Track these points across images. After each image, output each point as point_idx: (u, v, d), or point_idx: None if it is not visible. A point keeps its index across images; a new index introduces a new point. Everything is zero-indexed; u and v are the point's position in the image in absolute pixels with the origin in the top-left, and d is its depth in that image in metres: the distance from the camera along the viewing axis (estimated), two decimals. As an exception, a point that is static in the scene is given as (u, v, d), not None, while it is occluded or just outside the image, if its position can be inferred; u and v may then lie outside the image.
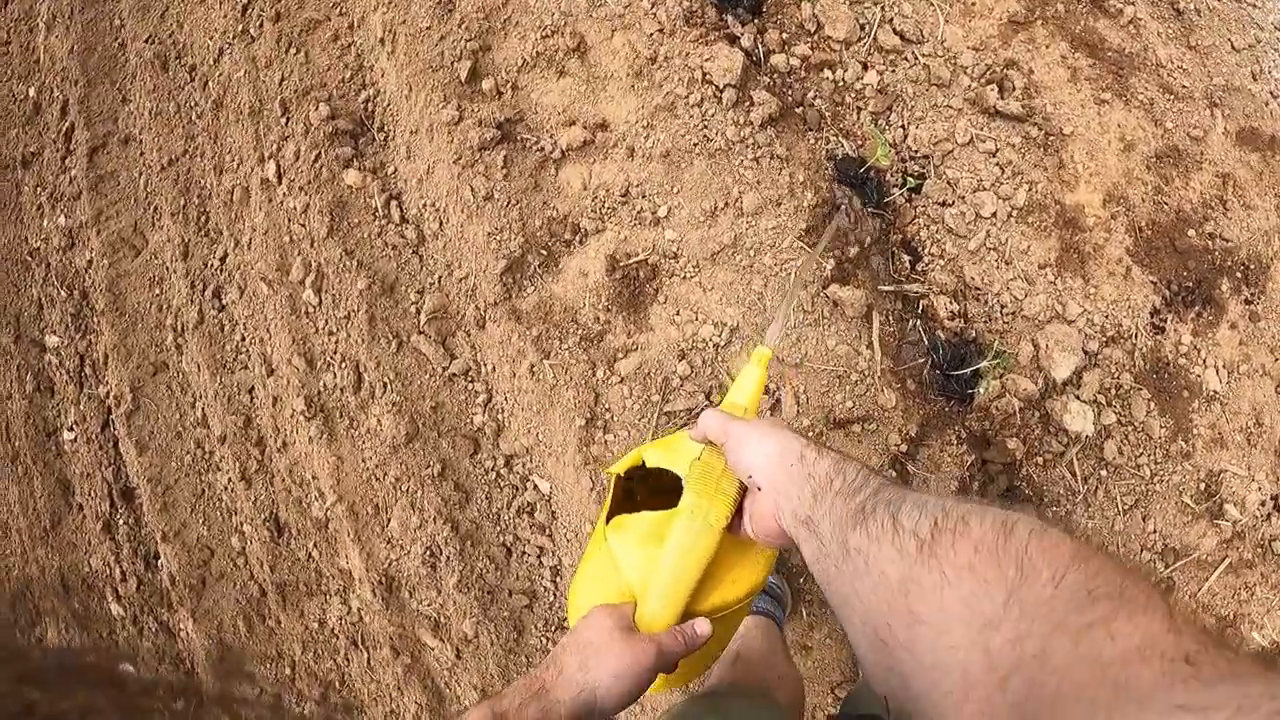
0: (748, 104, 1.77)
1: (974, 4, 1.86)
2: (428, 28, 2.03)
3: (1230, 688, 0.27)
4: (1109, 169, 1.75)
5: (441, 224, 1.96)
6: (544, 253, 1.82)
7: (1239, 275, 1.75)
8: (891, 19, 1.82)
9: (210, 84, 2.37)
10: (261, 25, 2.31)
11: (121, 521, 2.37)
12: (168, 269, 2.35)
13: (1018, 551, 0.40)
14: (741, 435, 0.69)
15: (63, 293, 2.53)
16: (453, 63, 1.98)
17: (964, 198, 1.74)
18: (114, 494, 2.38)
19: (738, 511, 0.75)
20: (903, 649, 0.42)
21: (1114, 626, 0.33)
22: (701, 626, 0.78)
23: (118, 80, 2.58)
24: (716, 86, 1.76)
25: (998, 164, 1.75)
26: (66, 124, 2.61)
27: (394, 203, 2.04)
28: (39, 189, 2.67)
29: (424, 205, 1.99)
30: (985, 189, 1.74)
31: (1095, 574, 0.37)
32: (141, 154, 2.48)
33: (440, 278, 1.95)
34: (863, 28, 1.83)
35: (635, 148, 1.82)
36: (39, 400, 2.63)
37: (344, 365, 1.96)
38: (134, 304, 2.38)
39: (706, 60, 1.77)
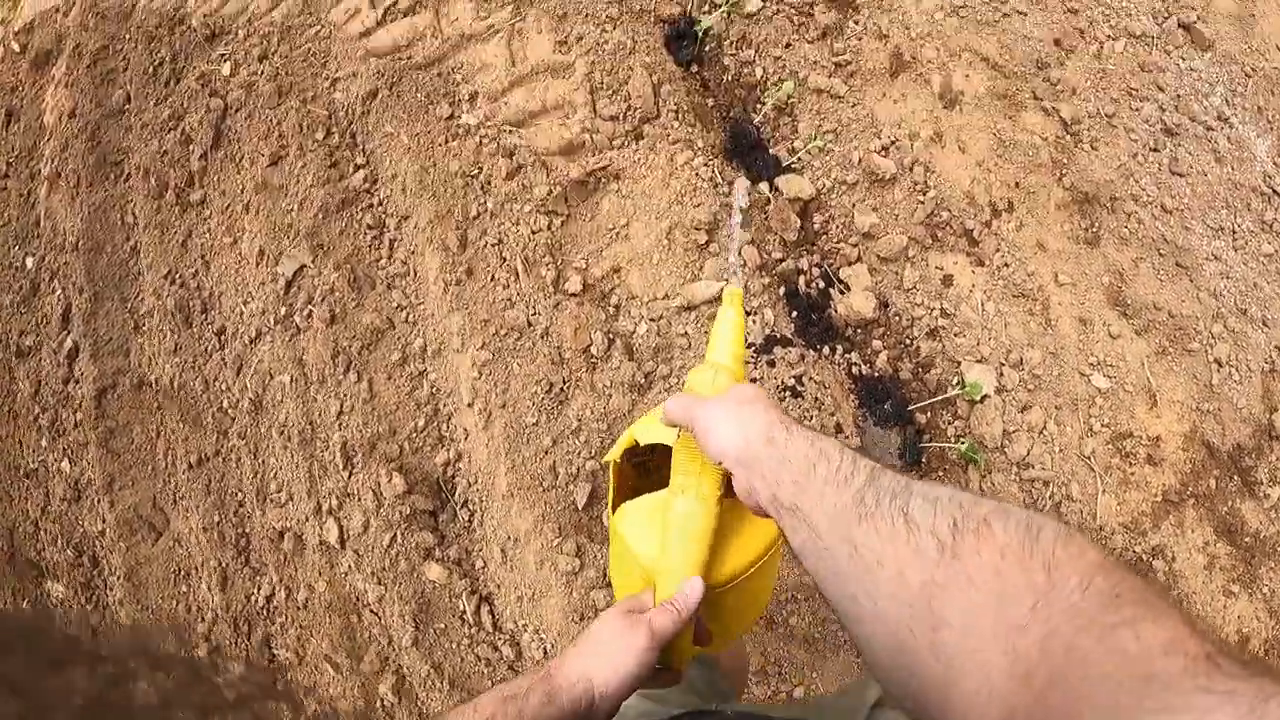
0: None
1: (1133, 474, 1.72)
2: (534, 424, 1.68)
3: (1250, 678, 0.30)
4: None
5: (546, 652, 1.73)
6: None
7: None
8: (1059, 503, 1.68)
9: (245, 370, 1.96)
10: (310, 316, 1.88)
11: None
12: (197, 571, 2.06)
13: (1045, 556, 0.40)
14: (705, 420, 0.67)
15: (69, 553, 2.21)
16: (567, 483, 1.66)
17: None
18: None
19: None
20: (926, 652, 0.42)
21: (1139, 628, 0.34)
22: (690, 587, 0.74)
23: (129, 299, 2.12)
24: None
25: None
26: (69, 340, 2.16)
27: (485, 607, 1.77)
28: (36, 401, 2.25)
29: (522, 623, 1.74)
30: None
31: (1120, 581, 0.37)
32: (159, 411, 2.09)
33: (538, 717, 1.74)
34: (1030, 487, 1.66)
35: None
36: (37, 640, 2.38)
37: (426, 796, 1.79)
38: (157, 600, 2.10)
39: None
